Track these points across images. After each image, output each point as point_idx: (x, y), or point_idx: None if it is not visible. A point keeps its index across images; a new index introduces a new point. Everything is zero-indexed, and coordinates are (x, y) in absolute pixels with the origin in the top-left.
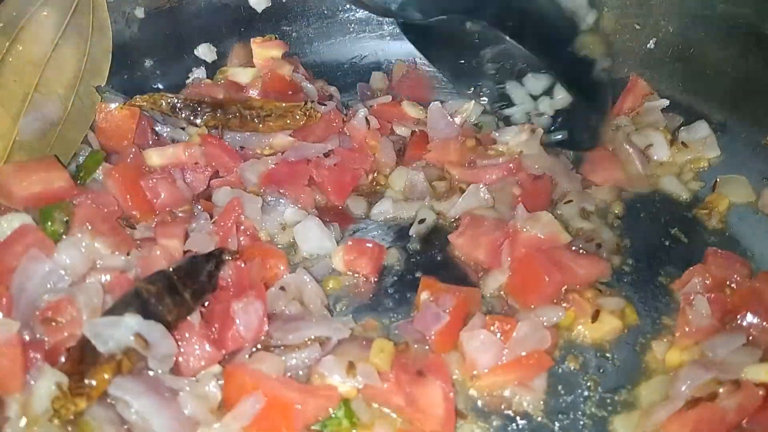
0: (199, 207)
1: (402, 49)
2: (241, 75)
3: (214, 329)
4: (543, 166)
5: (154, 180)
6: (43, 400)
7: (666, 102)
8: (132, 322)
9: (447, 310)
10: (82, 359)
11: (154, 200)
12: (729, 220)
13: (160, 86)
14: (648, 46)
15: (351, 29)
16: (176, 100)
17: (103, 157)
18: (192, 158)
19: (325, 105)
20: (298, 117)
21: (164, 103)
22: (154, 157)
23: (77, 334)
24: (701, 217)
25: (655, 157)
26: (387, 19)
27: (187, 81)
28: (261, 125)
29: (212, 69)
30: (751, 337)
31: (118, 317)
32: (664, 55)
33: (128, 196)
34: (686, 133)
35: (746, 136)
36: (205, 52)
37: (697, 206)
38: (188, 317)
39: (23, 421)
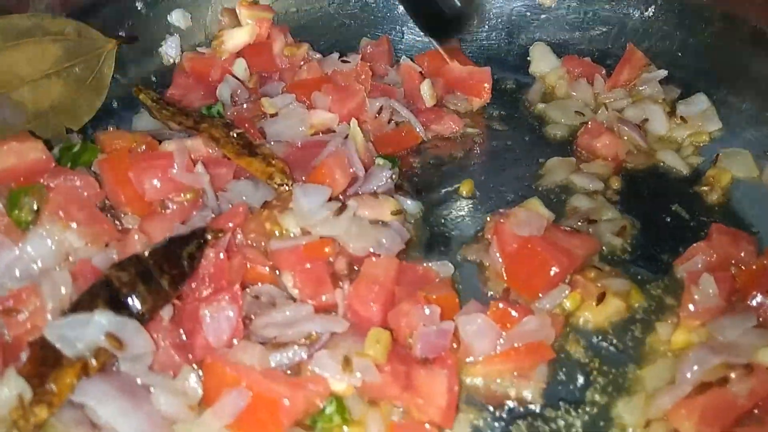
0: (205, 198)
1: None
2: (239, 35)
3: (181, 332)
4: None
5: (144, 169)
6: (1, 409)
7: (664, 72)
8: (102, 320)
9: None
10: (44, 360)
11: (141, 190)
12: (731, 195)
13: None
14: (646, 13)
15: None
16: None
17: (98, 151)
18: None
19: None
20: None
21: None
22: (170, 146)
23: (41, 326)
24: (702, 193)
25: (653, 131)
26: None
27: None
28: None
29: (186, 37)
30: (761, 318)
31: (86, 316)
32: (663, 24)
33: (120, 189)
34: (685, 107)
35: (749, 109)
36: (178, 18)
37: (697, 182)
38: (162, 310)
39: None
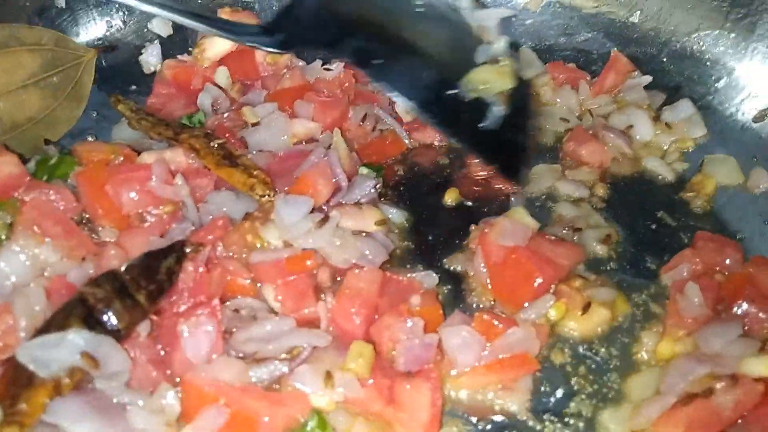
0: (185, 210)
1: None
2: (220, 43)
3: (159, 348)
4: None
5: (121, 181)
6: None
7: (649, 78)
8: (78, 339)
9: None
10: (15, 379)
11: (119, 203)
12: (717, 202)
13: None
14: (631, 19)
15: None
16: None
17: (75, 164)
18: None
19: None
20: (258, 192)
21: (145, 122)
22: (149, 157)
23: (12, 345)
24: (688, 200)
25: (638, 137)
26: None
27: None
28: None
29: (167, 44)
30: (747, 327)
31: (60, 336)
32: (648, 30)
33: (97, 202)
34: (669, 113)
35: (734, 114)
36: (159, 25)
37: (683, 188)
38: (139, 326)
39: None
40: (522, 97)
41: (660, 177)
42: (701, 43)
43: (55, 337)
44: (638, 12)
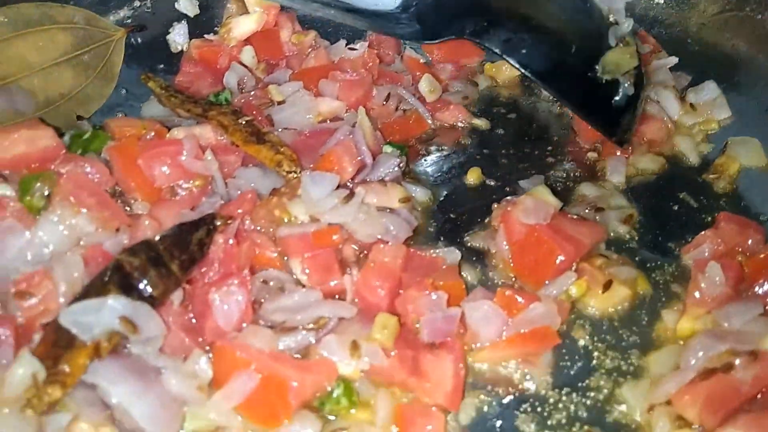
0: (214, 185)
1: None
2: (247, 22)
3: (191, 315)
4: None
5: (153, 155)
6: (15, 388)
7: (675, 59)
8: (117, 304)
9: None
10: (57, 341)
11: (151, 176)
12: (739, 183)
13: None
14: (657, 1)
15: None
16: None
17: (109, 139)
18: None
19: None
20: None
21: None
22: (179, 133)
23: (53, 309)
24: (710, 182)
25: (665, 114)
26: None
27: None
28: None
29: (194, 24)
30: (767, 307)
31: (100, 301)
32: (673, 9)
33: (130, 175)
34: (694, 95)
35: (760, 96)
36: (186, 5)
37: (706, 170)
38: (172, 294)
39: None
40: (640, 70)
41: (684, 158)
42: (727, 25)
43: (95, 302)
44: None
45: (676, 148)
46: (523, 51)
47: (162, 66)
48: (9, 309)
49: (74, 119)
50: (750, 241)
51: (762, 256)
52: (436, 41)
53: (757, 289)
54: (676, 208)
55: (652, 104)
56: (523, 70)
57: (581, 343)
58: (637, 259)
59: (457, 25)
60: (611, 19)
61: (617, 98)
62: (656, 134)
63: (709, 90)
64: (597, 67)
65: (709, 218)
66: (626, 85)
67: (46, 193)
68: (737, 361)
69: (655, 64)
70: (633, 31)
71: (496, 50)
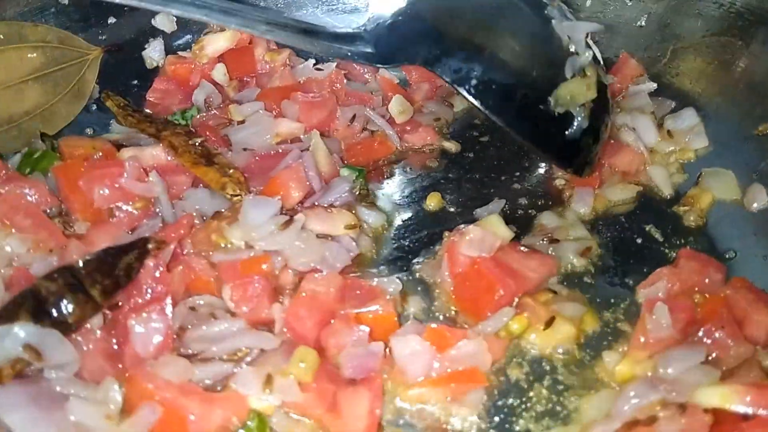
0: (158, 206)
1: None
2: (220, 40)
3: (113, 341)
4: None
5: (94, 177)
6: None
7: (654, 85)
8: (21, 332)
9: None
10: None
11: (91, 197)
12: (711, 217)
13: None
14: (639, 23)
15: (322, 1)
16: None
17: (56, 159)
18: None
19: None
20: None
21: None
22: (126, 154)
23: None
24: (680, 214)
25: (641, 144)
26: None
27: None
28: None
29: (168, 39)
30: (714, 354)
31: (7, 328)
32: (655, 34)
33: (71, 195)
34: (672, 121)
35: (737, 126)
36: (163, 21)
37: (677, 201)
38: (91, 319)
39: None
40: (601, 101)
41: (656, 189)
42: (708, 50)
43: (1, 329)
44: (645, 16)
45: (648, 179)
46: (473, 82)
47: (136, 82)
48: None
49: (37, 136)
50: (707, 281)
51: (715, 297)
52: (388, 66)
53: (702, 334)
54: (639, 241)
55: (628, 132)
56: (472, 101)
57: (515, 381)
58: (589, 294)
59: (410, 51)
60: (571, 49)
61: (571, 130)
62: (629, 165)
63: (688, 117)
64: (550, 99)
65: (673, 253)
66: (580, 117)
67: None
68: (662, 414)
69: (632, 90)
70: (597, 61)
71: (447, 80)
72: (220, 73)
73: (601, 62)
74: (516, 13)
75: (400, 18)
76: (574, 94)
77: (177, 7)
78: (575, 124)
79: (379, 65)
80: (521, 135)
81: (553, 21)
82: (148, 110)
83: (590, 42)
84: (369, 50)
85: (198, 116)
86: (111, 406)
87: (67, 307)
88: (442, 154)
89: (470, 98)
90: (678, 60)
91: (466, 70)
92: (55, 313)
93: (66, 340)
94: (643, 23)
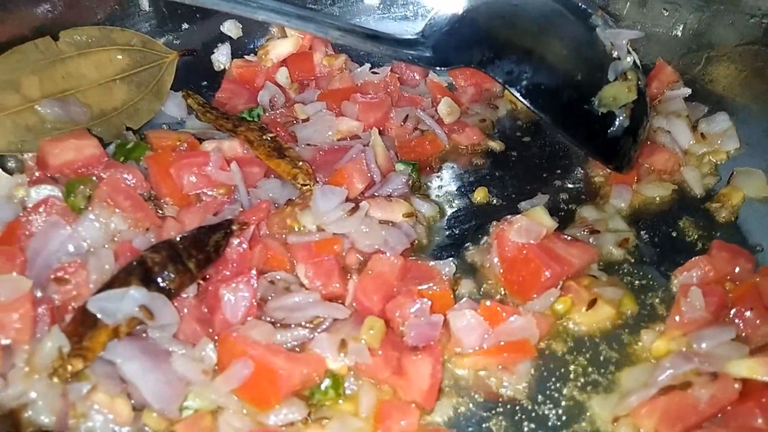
0: (237, 194)
1: None
2: (283, 45)
3: (204, 309)
4: None
5: (183, 165)
6: (45, 358)
7: (688, 91)
8: (137, 294)
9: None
10: (83, 322)
11: (180, 184)
12: (741, 213)
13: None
14: (675, 32)
15: (375, 9)
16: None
17: (148, 149)
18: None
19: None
20: (300, 181)
21: (210, 115)
22: (209, 146)
23: (84, 294)
24: (713, 210)
25: (676, 145)
26: (409, 2)
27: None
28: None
29: (237, 45)
30: (743, 334)
31: (123, 291)
32: (690, 43)
33: (163, 182)
34: (706, 125)
35: (767, 129)
36: (230, 28)
37: (710, 198)
38: (187, 288)
39: (26, 370)
40: (641, 103)
41: (689, 188)
42: (740, 58)
43: (119, 291)
44: (681, 26)
45: (683, 178)
46: (524, 83)
47: (205, 83)
48: (47, 292)
49: (123, 130)
50: (738, 270)
51: (745, 284)
52: (446, 68)
53: (734, 315)
54: (674, 234)
55: (664, 134)
56: (522, 100)
57: (560, 355)
58: (627, 280)
59: (466, 54)
60: (614, 54)
61: (613, 129)
62: (665, 165)
63: (721, 121)
64: (594, 99)
65: (706, 245)
66: (622, 117)
67: (88, 194)
68: (696, 380)
69: (669, 95)
70: (637, 66)
71: (499, 80)
72: (282, 75)
73: (640, 67)
74: (563, 21)
75: (456, 25)
76: (616, 95)
77: (262, 13)
78: (617, 123)
79: (437, 67)
80: (567, 133)
81: (597, 29)
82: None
83: (630, 49)
84: (428, 54)
85: (265, 115)
86: (207, 363)
87: (169, 275)
88: (488, 153)
89: (521, 98)
90: (711, 67)
91: (518, 72)
92: (159, 280)
93: (170, 303)
94: (679, 33)
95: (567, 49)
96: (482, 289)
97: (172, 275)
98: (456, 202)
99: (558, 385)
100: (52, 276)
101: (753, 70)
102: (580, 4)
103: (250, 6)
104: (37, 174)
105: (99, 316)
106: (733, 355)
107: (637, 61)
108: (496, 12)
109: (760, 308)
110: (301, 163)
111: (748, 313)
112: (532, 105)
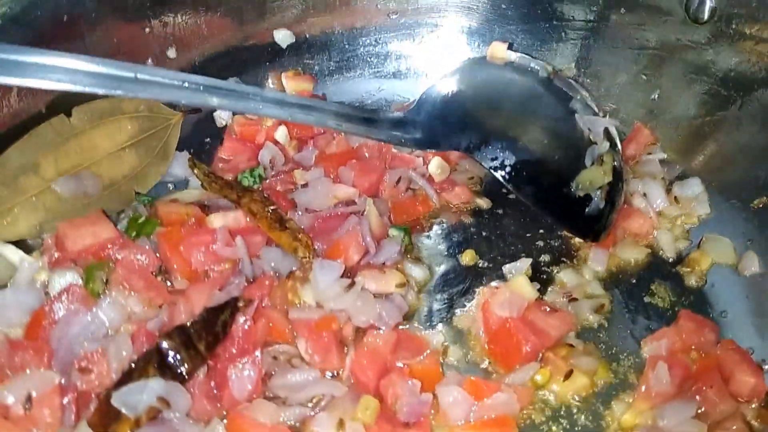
0: (241, 266)
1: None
2: None
3: (213, 384)
4: None
5: (191, 244)
6: None
7: (664, 155)
8: (156, 386)
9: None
10: (107, 413)
11: (189, 261)
12: (709, 279)
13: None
14: (652, 97)
15: (371, 63)
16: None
17: (158, 224)
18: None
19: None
20: (300, 255)
21: (215, 185)
22: (216, 221)
23: (106, 382)
24: (683, 274)
25: (650, 210)
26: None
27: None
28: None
29: None
30: (702, 409)
31: (142, 384)
32: (667, 108)
33: (173, 258)
34: (679, 188)
35: (737, 198)
36: None
37: (681, 262)
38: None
39: None
40: (616, 182)
41: (661, 251)
42: (713, 126)
43: (139, 385)
44: (657, 91)
45: (656, 241)
46: (507, 169)
47: (208, 140)
48: (71, 378)
49: (133, 196)
50: (702, 339)
51: (709, 358)
52: (433, 150)
53: (696, 389)
54: (647, 299)
55: (640, 198)
56: (505, 183)
57: (538, 424)
58: (602, 346)
59: (454, 140)
60: (591, 139)
61: (589, 209)
62: (640, 228)
63: (693, 186)
64: (572, 183)
65: (675, 310)
66: (597, 198)
67: (105, 279)
68: None
69: (645, 158)
70: (614, 147)
71: (485, 166)
72: (281, 134)
73: (619, 147)
74: (545, 107)
75: (446, 108)
76: (592, 179)
77: (264, 110)
78: (593, 203)
79: (427, 149)
80: (546, 212)
81: (576, 114)
82: (224, 173)
83: (611, 129)
84: (419, 136)
85: (267, 180)
86: None
87: (183, 361)
88: (475, 211)
89: (504, 182)
90: (684, 133)
91: (502, 158)
92: (174, 366)
93: (184, 390)
94: (656, 97)
95: (548, 136)
96: (468, 357)
97: (186, 360)
98: (445, 263)
99: None
100: (77, 366)
101: (719, 138)
102: (561, 88)
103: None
104: (56, 255)
105: (123, 410)
106: None
107: (616, 142)
108: (483, 96)
109: (720, 386)
110: (301, 236)
111: (708, 392)
112: (514, 189)
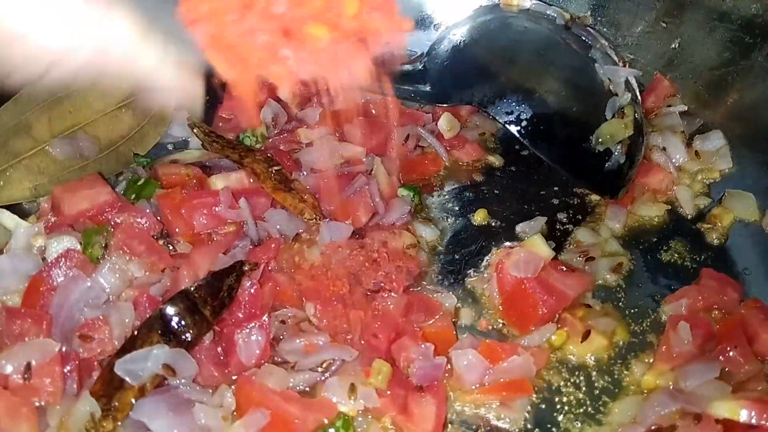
0: (246, 228)
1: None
2: None
3: (220, 350)
4: None
5: (193, 206)
6: (78, 422)
7: (684, 107)
8: (160, 353)
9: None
10: (110, 382)
11: (192, 224)
12: (731, 236)
13: None
14: (672, 46)
15: None
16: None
17: (157, 186)
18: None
19: None
20: (306, 216)
21: (216, 145)
22: (218, 183)
23: (108, 350)
24: (704, 231)
25: (670, 164)
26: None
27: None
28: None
29: None
30: (726, 369)
31: (146, 351)
32: (687, 58)
33: (174, 221)
34: (700, 142)
35: (761, 151)
36: None
37: (701, 219)
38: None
39: None
40: (637, 136)
41: (680, 207)
42: (735, 75)
43: (143, 352)
44: (678, 40)
45: (675, 198)
46: (524, 123)
47: (207, 98)
48: (72, 346)
49: (131, 157)
50: (725, 299)
51: (732, 318)
52: (445, 105)
53: (718, 352)
54: (667, 257)
55: (659, 153)
56: (521, 139)
57: (557, 387)
58: (620, 307)
59: (467, 93)
60: (612, 90)
61: (609, 164)
62: (659, 184)
63: (715, 139)
64: (591, 138)
65: (696, 269)
66: (617, 153)
67: (104, 243)
68: (680, 422)
69: (665, 111)
70: (634, 99)
71: (499, 120)
72: (285, 91)
73: (639, 99)
74: (563, 57)
75: (457, 59)
76: (613, 133)
77: None
78: (613, 159)
79: (436, 104)
80: (564, 169)
81: (596, 64)
82: (225, 132)
83: (631, 80)
84: (427, 90)
85: (270, 140)
86: (226, 409)
87: (187, 327)
88: (487, 169)
89: (520, 137)
90: (707, 84)
91: (518, 113)
92: (179, 333)
93: (189, 356)
94: (676, 46)
95: (566, 87)
96: (482, 318)
97: (191, 326)
98: (456, 223)
99: (554, 417)
100: (77, 334)
101: (748, 89)
102: (580, 36)
103: None
104: (52, 219)
105: (126, 378)
106: (715, 395)
107: (636, 93)
108: (497, 47)
109: (744, 346)
110: (306, 197)
111: (731, 352)
112: (530, 144)
